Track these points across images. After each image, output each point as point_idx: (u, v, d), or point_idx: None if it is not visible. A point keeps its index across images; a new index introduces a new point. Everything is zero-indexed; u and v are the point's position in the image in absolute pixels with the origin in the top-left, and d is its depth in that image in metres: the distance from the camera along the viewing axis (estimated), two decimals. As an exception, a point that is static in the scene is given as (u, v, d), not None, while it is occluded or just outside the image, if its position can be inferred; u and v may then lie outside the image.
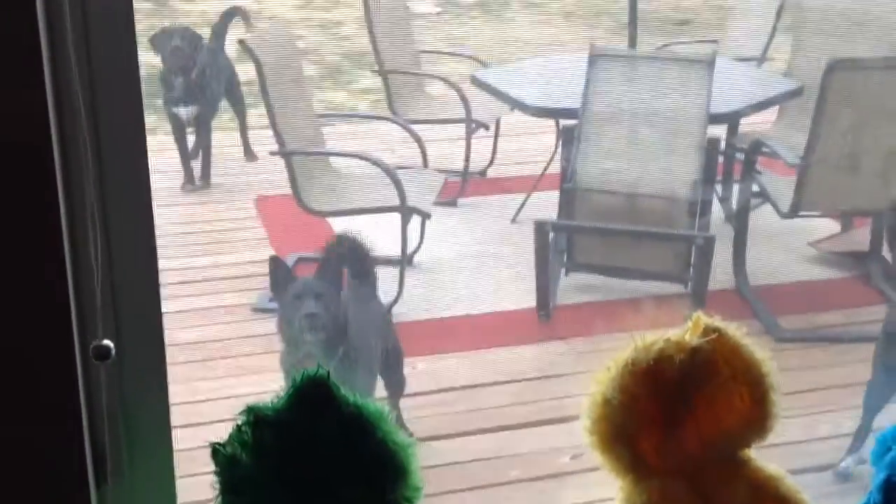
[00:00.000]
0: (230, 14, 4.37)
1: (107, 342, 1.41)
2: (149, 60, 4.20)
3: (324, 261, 2.99)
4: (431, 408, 3.24)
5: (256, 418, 1.39)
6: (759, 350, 1.48)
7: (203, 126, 4.56)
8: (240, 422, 1.39)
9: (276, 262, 3.01)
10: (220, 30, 4.42)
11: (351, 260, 3.07)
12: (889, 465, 1.53)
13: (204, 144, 4.59)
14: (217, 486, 1.39)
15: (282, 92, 3.79)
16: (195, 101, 4.40)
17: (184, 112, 4.42)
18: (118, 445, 1.48)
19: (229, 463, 1.37)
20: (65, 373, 1.38)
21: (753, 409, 1.46)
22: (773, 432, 1.48)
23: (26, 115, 1.28)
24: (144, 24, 3.97)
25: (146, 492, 1.54)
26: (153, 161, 1.42)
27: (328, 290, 2.92)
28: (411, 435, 3.10)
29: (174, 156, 4.52)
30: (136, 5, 1.36)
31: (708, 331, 1.45)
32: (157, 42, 4.26)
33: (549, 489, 2.89)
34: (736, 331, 1.48)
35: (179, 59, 4.29)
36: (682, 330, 1.48)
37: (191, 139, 4.61)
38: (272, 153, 3.84)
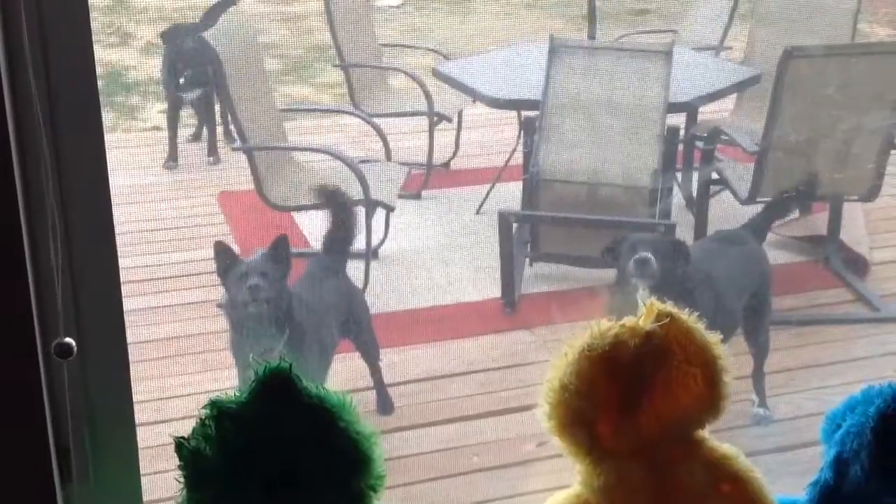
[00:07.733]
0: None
1: (68, 340, 1.42)
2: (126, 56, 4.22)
3: (273, 244, 2.99)
4: (398, 399, 3.26)
5: (219, 412, 1.40)
6: (710, 334, 1.52)
7: (207, 107, 4.63)
8: (203, 416, 1.40)
9: (220, 247, 3.01)
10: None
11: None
12: (839, 441, 1.56)
13: (209, 125, 4.69)
14: (182, 480, 1.40)
15: (243, 86, 3.78)
16: (199, 85, 4.48)
17: (188, 97, 4.56)
18: (82, 443, 1.49)
19: (193, 457, 1.39)
20: (27, 371, 1.38)
21: (707, 390, 1.49)
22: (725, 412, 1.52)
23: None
24: (101, 22, 3.95)
25: (112, 489, 1.55)
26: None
27: (273, 269, 2.94)
28: (391, 407, 3.14)
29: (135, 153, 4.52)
30: (92, 2, 1.37)
31: (661, 316, 1.48)
32: (166, 36, 4.31)
33: (514, 476, 2.92)
34: (687, 315, 1.51)
35: (184, 51, 4.33)
36: (637, 315, 1.51)
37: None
38: (234, 148, 3.83)
